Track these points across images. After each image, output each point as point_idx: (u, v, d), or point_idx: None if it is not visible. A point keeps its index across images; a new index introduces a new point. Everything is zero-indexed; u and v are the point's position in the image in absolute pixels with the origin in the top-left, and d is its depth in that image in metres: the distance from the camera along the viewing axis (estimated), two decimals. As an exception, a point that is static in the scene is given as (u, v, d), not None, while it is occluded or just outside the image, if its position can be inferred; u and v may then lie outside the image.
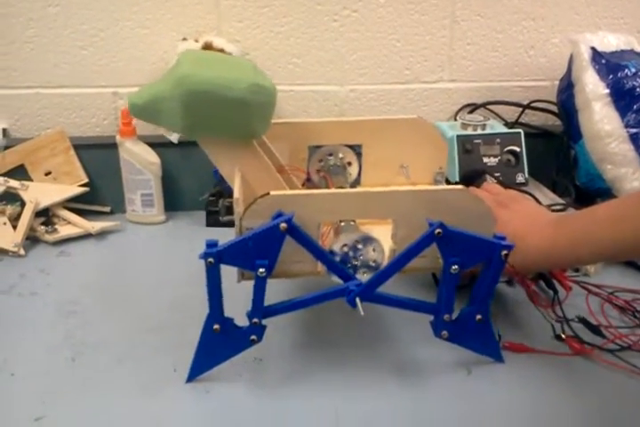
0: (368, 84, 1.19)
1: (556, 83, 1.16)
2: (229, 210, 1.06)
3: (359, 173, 0.92)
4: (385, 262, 0.73)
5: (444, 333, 0.74)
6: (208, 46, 1.08)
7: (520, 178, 1.02)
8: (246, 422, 0.68)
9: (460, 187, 0.71)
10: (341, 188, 0.85)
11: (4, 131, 1.13)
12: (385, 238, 0.73)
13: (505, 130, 1.05)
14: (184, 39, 1.11)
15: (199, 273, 0.68)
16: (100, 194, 1.15)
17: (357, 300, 0.69)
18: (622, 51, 1.05)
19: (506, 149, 1.02)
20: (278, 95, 0.80)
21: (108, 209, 1.16)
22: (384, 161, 0.91)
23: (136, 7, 1.09)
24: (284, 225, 0.67)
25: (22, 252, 1.01)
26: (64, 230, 1.06)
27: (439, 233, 0.68)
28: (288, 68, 1.17)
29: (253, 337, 0.72)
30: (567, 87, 1.06)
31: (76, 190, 1.11)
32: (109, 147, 1.11)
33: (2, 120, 1.13)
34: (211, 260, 0.67)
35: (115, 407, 0.69)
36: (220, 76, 0.74)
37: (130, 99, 0.76)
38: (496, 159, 1.01)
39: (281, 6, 1.12)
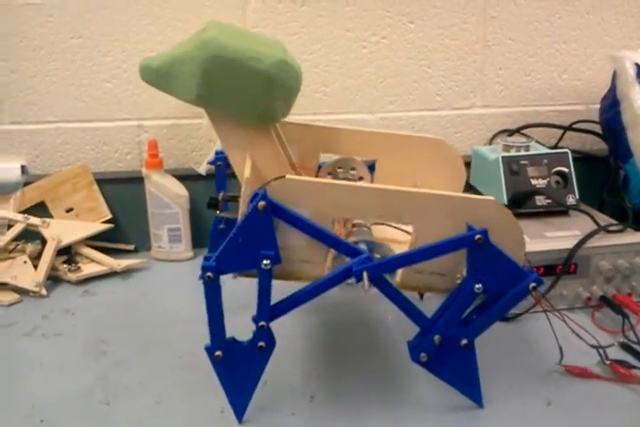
0: (399, 112, 1.15)
1: (592, 106, 1.12)
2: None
3: None
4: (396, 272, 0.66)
5: (423, 355, 0.65)
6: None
7: (571, 200, 0.96)
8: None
9: (491, 198, 0.64)
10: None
11: (23, 168, 1.08)
12: None
13: (552, 150, 1.00)
14: (210, 69, 1.08)
15: (229, 310, 0.64)
16: (124, 230, 1.10)
17: (365, 274, 0.61)
18: (664, 67, 1.01)
19: (554, 171, 0.97)
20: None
21: (131, 247, 1.10)
22: (396, 178, 0.84)
23: (160, 37, 1.06)
24: (261, 203, 0.60)
25: (44, 292, 0.95)
26: (87, 269, 1.00)
27: (479, 239, 0.61)
28: (316, 96, 1.13)
29: (261, 344, 0.64)
30: (612, 105, 1.01)
31: (100, 227, 1.05)
32: (133, 181, 1.07)
33: (21, 157, 1.08)
34: (209, 274, 0.61)
35: (159, 454, 0.62)
36: (248, 46, 0.67)
37: (143, 61, 0.69)
38: (545, 181, 0.96)
39: (310, 34, 1.09)
